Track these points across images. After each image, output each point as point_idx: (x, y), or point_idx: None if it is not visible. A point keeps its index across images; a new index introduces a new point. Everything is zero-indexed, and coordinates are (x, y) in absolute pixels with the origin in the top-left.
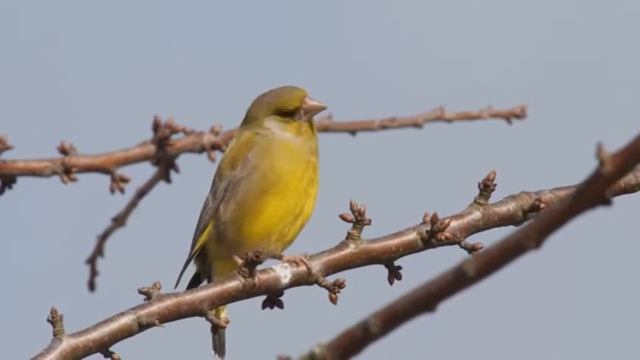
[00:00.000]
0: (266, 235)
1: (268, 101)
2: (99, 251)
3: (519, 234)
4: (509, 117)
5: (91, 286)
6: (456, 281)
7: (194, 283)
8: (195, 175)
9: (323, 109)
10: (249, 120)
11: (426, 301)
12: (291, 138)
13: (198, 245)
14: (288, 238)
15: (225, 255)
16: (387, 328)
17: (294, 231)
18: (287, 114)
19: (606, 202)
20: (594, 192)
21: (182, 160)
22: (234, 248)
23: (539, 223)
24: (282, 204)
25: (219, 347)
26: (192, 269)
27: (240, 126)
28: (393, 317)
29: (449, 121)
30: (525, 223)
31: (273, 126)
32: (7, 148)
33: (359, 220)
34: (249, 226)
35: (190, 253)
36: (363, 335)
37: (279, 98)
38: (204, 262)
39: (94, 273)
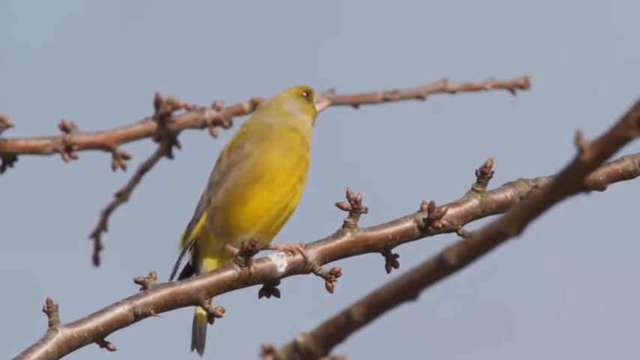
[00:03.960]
0: (252, 225)
1: (286, 90)
2: (103, 226)
3: (500, 222)
4: (512, 88)
5: (96, 261)
6: (438, 269)
7: (187, 274)
8: (197, 151)
9: (332, 103)
10: (263, 108)
11: (408, 289)
12: (307, 120)
13: (192, 236)
14: (272, 230)
15: (215, 245)
16: (371, 316)
17: (276, 225)
18: (307, 95)
19: (585, 189)
20: (573, 179)
21: (184, 136)
22: (222, 236)
23: (519, 210)
24: (268, 197)
25: (199, 343)
26: (185, 259)
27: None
28: (377, 305)
29: (452, 92)
30: (507, 211)
31: (294, 107)
32: (8, 126)
33: (355, 208)
34: (236, 214)
35: (185, 244)
36: (346, 323)
37: (298, 84)
38: (198, 253)
39: (98, 247)
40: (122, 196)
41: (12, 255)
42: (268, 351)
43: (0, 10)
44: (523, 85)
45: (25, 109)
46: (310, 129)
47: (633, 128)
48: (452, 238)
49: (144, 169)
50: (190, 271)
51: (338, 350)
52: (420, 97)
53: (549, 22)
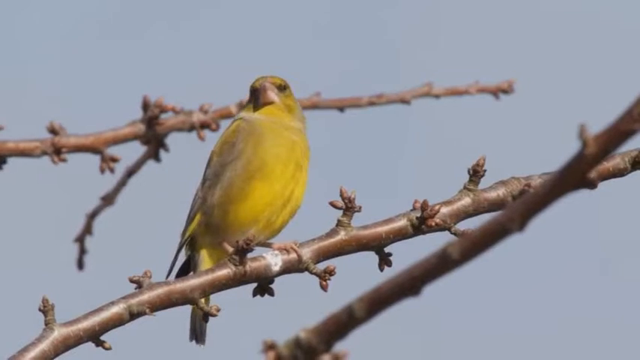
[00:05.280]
0: (253, 221)
1: None
2: (88, 230)
3: (503, 217)
4: (496, 92)
5: (80, 265)
6: (441, 264)
7: (184, 271)
8: (185, 154)
9: (264, 88)
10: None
11: (410, 284)
12: (247, 115)
13: (187, 234)
14: (277, 226)
15: (213, 242)
16: (373, 312)
17: (282, 218)
18: (250, 94)
19: (589, 183)
20: (577, 173)
21: (171, 139)
22: (220, 234)
23: (522, 205)
24: (268, 189)
25: (199, 334)
26: (181, 257)
27: None
28: (378, 301)
29: (437, 96)
30: (509, 206)
31: (242, 107)
32: None
33: (349, 207)
34: (235, 212)
35: (180, 242)
36: (348, 319)
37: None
38: (194, 250)
39: (82, 251)
40: (108, 200)
41: (8, 254)
42: (270, 347)
43: None
44: (507, 90)
45: (14, 111)
46: (259, 118)
47: (637, 121)
48: (444, 237)
49: (130, 173)
50: (188, 269)
51: (340, 346)
52: (404, 101)
53: (544, 18)
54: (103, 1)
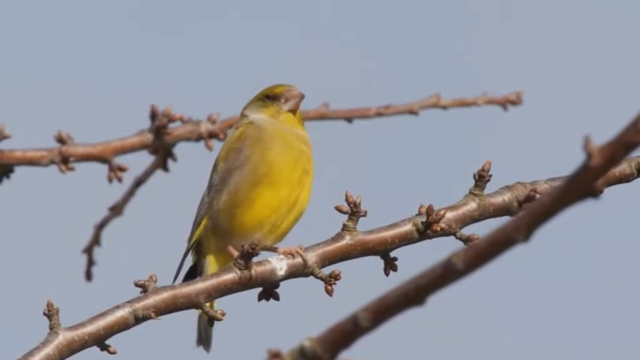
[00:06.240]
0: (258, 226)
1: (255, 93)
2: (96, 240)
3: (508, 227)
4: (504, 103)
5: (88, 276)
6: (445, 274)
7: (191, 276)
8: (192, 163)
9: (301, 96)
10: (241, 116)
11: (415, 294)
12: (264, 119)
13: (194, 239)
14: (281, 230)
15: (219, 247)
16: (377, 321)
17: (287, 223)
18: (268, 98)
19: (594, 194)
20: (582, 185)
21: (179, 149)
22: (226, 239)
23: (527, 216)
24: (274, 195)
25: (205, 340)
26: (188, 262)
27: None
28: (383, 310)
29: (444, 107)
30: (514, 216)
31: (250, 110)
32: (5, 137)
33: (354, 211)
34: (241, 217)
35: (187, 247)
36: (353, 329)
37: (264, 87)
38: (201, 255)
39: (90, 262)
40: (116, 210)
41: (13, 258)
42: (275, 355)
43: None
44: (515, 101)
45: (22, 121)
46: (277, 121)
47: None
48: (450, 242)
49: (139, 183)
50: (193, 274)
51: (345, 355)
52: (413, 112)
53: (551, 23)
54: (106, 8)
